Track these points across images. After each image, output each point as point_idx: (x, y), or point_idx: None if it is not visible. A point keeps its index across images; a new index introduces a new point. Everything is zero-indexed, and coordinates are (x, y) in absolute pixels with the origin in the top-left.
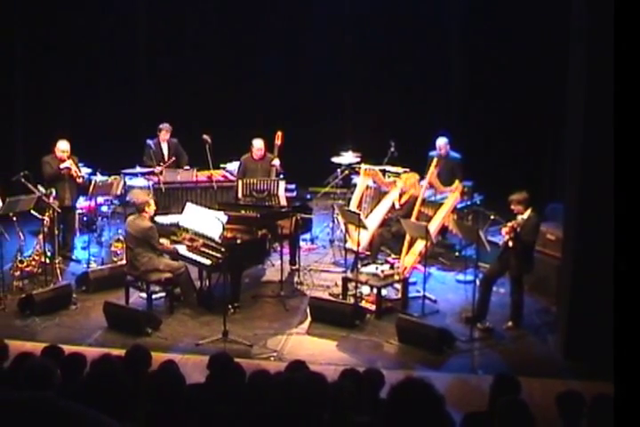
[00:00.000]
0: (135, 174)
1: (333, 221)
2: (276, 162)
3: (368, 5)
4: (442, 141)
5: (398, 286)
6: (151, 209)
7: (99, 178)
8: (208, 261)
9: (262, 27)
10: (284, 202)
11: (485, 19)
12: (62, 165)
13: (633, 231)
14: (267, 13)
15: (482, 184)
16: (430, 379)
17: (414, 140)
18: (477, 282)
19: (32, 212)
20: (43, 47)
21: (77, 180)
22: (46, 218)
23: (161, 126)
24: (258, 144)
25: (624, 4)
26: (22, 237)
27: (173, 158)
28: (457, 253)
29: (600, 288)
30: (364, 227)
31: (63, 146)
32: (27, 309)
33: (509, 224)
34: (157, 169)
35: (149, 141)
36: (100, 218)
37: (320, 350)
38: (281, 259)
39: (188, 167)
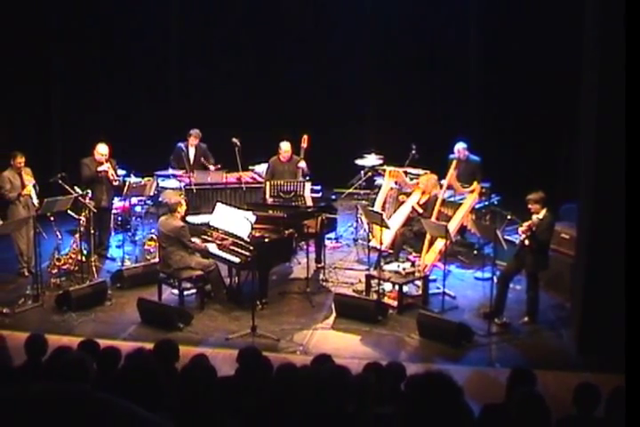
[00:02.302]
0: (167, 176)
1: (357, 221)
2: (302, 164)
3: (392, 14)
4: (460, 146)
5: (419, 282)
6: (183, 209)
7: (133, 179)
8: (237, 259)
9: (289, 34)
10: (309, 202)
11: (502, 24)
12: (100, 168)
13: None
14: (293, 21)
15: (499, 185)
16: (450, 372)
17: (434, 142)
18: (495, 279)
19: (69, 212)
20: (80, 53)
21: (113, 182)
22: (82, 218)
23: (191, 132)
24: (285, 147)
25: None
26: (59, 236)
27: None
28: (475, 252)
29: (612, 285)
30: (387, 226)
31: (102, 149)
32: (64, 305)
33: (526, 224)
34: (181, 171)
35: (180, 144)
36: (133, 218)
37: (344, 345)
38: (307, 257)
39: (216, 166)
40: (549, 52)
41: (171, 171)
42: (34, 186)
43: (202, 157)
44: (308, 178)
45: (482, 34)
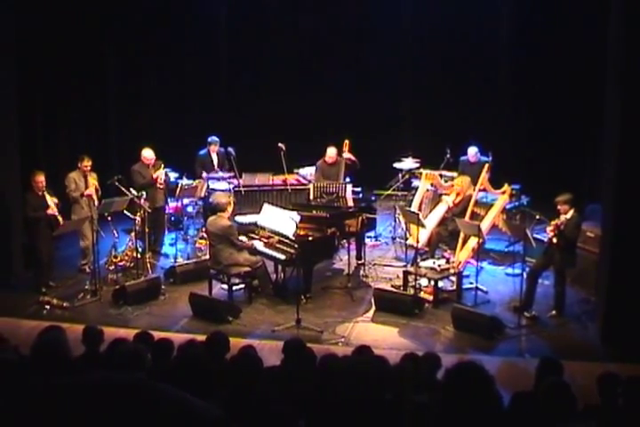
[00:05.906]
0: (217, 178)
1: (395, 221)
2: (347, 155)
3: (427, 24)
4: (472, 151)
5: (453, 278)
6: (231, 209)
7: (185, 182)
8: (283, 256)
9: (331, 45)
10: (351, 203)
11: (533, 27)
12: (155, 175)
13: None
14: (334, 31)
15: (529, 187)
16: (482, 362)
17: (468, 146)
18: (524, 275)
19: (125, 212)
20: (134, 65)
21: (159, 187)
22: (138, 218)
23: (210, 140)
24: (331, 152)
25: None
26: (116, 234)
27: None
28: (506, 249)
29: (635, 281)
30: (423, 226)
31: (148, 154)
32: (120, 299)
33: (554, 222)
34: (205, 175)
35: (201, 153)
36: (186, 217)
37: (383, 336)
38: (348, 254)
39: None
40: (577, 55)
41: (220, 174)
42: (96, 190)
43: (224, 161)
44: (357, 165)
45: (514, 36)
